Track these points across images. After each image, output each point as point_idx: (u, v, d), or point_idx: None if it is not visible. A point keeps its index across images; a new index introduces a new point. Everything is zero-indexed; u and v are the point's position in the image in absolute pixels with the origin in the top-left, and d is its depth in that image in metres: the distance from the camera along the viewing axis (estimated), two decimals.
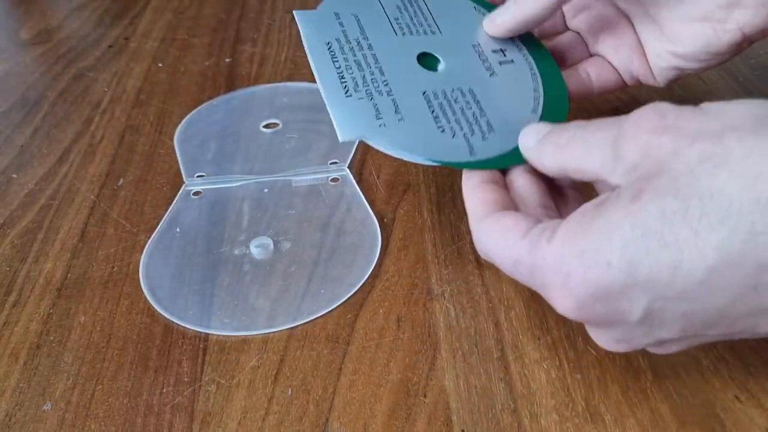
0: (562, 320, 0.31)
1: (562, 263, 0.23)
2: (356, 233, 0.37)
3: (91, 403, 0.30)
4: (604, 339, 0.25)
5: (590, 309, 0.23)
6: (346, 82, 0.31)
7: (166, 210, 0.39)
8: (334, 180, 0.41)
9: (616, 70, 0.38)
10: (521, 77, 0.35)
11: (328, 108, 0.30)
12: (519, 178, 0.29)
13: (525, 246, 0.24)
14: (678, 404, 0.28)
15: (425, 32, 0.35)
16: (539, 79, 0.35)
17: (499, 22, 0.35)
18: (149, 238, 0.38)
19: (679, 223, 0.21)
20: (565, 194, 0.30)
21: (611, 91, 0.39)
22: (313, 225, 0.38)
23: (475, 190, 0.29)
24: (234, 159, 0.43)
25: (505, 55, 0.35)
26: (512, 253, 0.25)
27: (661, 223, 0.21)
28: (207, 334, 0.32)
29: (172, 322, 0.33)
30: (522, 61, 0.35)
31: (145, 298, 0.34)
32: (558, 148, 0.26)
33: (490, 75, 0.34)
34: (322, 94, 0.31)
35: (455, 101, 0.32)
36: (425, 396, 0.29)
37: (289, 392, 0.29)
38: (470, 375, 0.29)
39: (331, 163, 0.42)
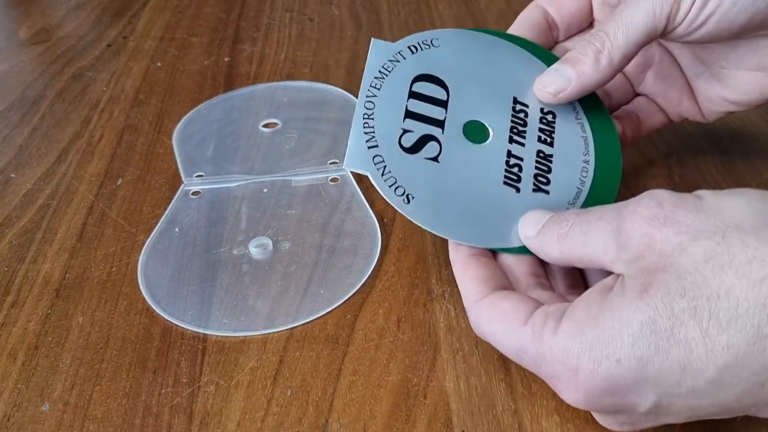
0: None
1: (570, 356, 0.23)
2: (356, 233, 0.37)
3: (90, 403, 0.29)
4: (608, 421, 0.26)
5: (599, 401, 0.23)
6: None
7: (165, 210, 0.39)
8: (334, 180, 0.41)
9: (664, 111, 0.37)
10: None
11: (350, 135, 0.30)
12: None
13: (527, 334, 0.24)
14: None
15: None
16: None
17: (553, 90, 0.32)
18: (148, 238, 0.37)
19: (688, 323, 0.21)
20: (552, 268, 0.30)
21: (656, 130, 0.38)
22: (313, 225, 0.38)
23: (465, 266, 0.28)
24: (233, 159, 0.43)
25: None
26: (514, 341, 0.25)
27: (671, 322, 0.21)
28: (206, 335, 0.32)
29: (171, 322, 0.33)
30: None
31: (144, 298, 0.34)
32: (560, 238, 0.26)
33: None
34: (353, 120, 0.31)
35: None
36: (425, 397, 0.29)
37: (289, 393, 0.29)
38: (471, 376, 0.29)
39: (330, 163, 0.42)
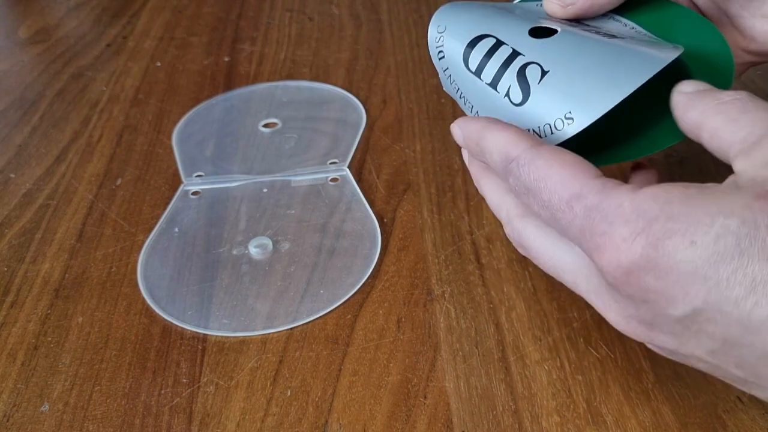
0: (563, 321, 0.31)
1: (642, 217, 0.20)
2: (356, 233, 0.37)
3: (89, 404, 0.29)
4: (618, 309, 0.22)
5: (639, 278, 0.20)
6: None
7: (165, 210, 0.39)
8: (334, 180, 0.41)
9: None
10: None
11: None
12: None
13: (596, 185, 0.21)
14: (680, 405, 0.28)
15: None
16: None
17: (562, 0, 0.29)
18: (147, 238, 0.37)
19: None
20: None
21: None
22: (313, 225, 0.38)
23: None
24: (233, 159, 0.43)
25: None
26: (574, 187, 0.22)
27: (764, 236, 0.18)
28: (205, 335, 0.32)
29: (171, 322, 0.33)
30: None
31: (144, 298, 0.34)
32: (715, 104, 0.23)
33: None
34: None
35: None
36: (425, 397, 0.29)
37: (289, 393, 0.29)
38: (471, 376, 0.29)
39: (330, 163, 0.42)
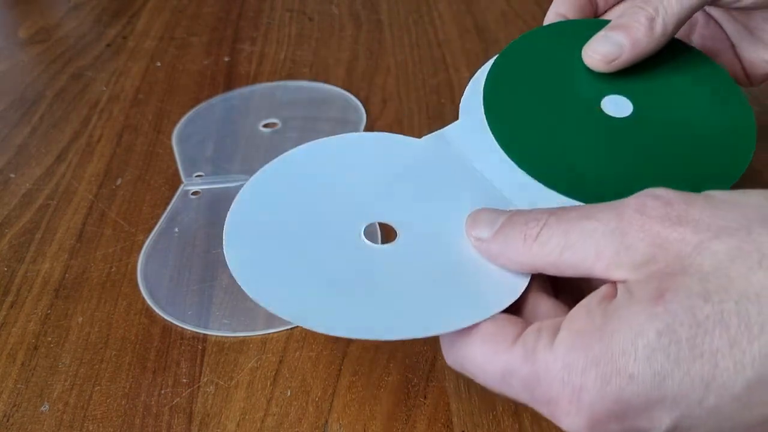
0: None
1: (573, 373, 0.20)
2: None
3: (89, 404, 0.29)
4: None
5: (605, 427, 0.20)
6: None
7: (165, 210, 0.39)
8: None
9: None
10: None
11: None
12: None
13: (518, 354, 0.21)
14: None
15: None
16: None
17: (602, 56, 0.30)
18: (147, 238, 0.37)
19: (713, 331, 0.19)
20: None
21: None
22: None
23: None
24: (233, 159, 0.43)
25: None
26: (500, 364, 0.21)
27: (693, 330, 0.19)
28: (206, 335, 0.32)
29: (171, 322, 0.33)
30: None
31: (144, 298, 0.34)
32: (528, 240, 0.23)
33: None
34: None
35: None
36: (425, 397, 0.29)
37: (289, 393, 0.29)
38: None
39: None
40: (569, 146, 0.29)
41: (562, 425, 0.21)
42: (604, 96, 0.30)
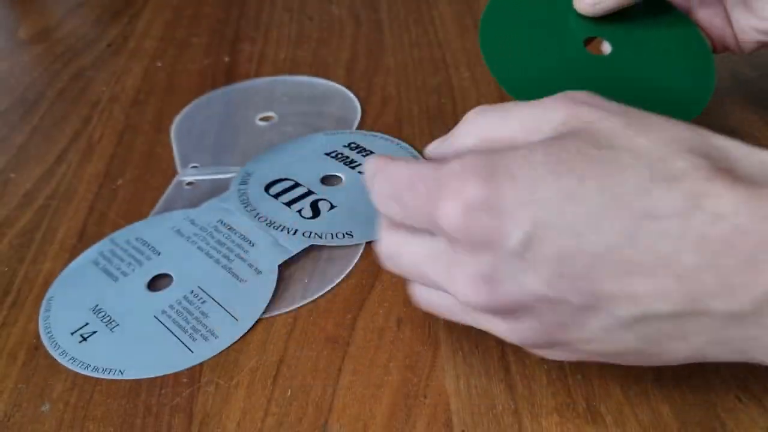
0: None
1: (467, 170, 0.23)
2: None
3: (90, 404, 0.29)
4: (462, 274, 0.24)
5: (474, 218, 0.22)
6: None
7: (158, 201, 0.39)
8: None
9: (711, 39, 0.38)
10: None
11: None
12: None
13: (430, 165, 0.24)
14: (679, 405, 0.28)
15: None
16: None
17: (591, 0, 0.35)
18: None
19: (588, 163, 0.22)
20: None
21: None
22: None
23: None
24: (228, 151, 0.43)
25: None
26: (411, 172, 0.24)
27: (573, 156, 0.22)
28: None
29: None
30: None
31: None
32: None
33: None
34: None
35: None
36: (425, 397, 0.29)
37: (289, 393, 0.29)
38: (471, 376, 0.29)
39: None
40: (550, 71, 0.34)
41: (441, 216, 0.23)
42: (589, 36, 0.35)
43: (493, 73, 0.34)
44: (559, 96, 0.25)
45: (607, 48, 0.35)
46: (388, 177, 0.25)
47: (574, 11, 0.36)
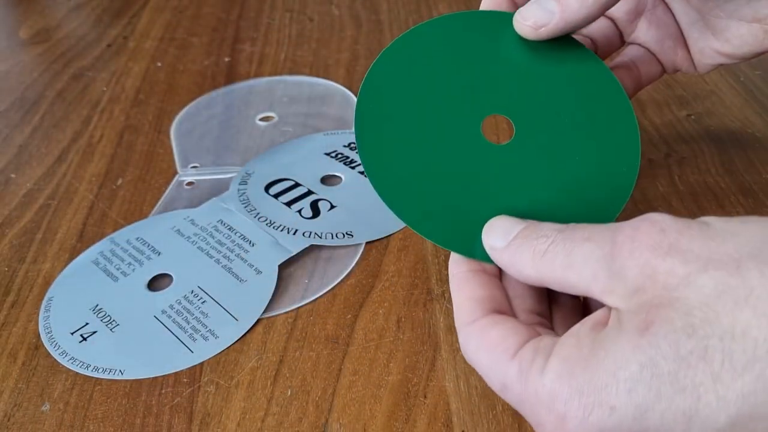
0: None
1: (557, 402, 0.20)
2: None
3: (90, 403, 0.29)
4: None
5: None
6: None
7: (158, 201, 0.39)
8: None
9: (659, 61, 0.35)
10: None
11: None
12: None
13: (514, 371, 0.22)
14: None
15: None
16: None
17: (532, 23, 0.28)
18: None
19: (696, 366, 0.19)
20: (556, 297, 0.27)
21: (652, 82, 0.36)
22: None
23: (461, 283, 0.25)
24: (228, 151, 0.43)
25: None
26: (500, 375, 0.22)
27: (676, 364, 0.19)
28: None
29: None
30: None
31: None
32: (536, 255, 0.23)
33: None
34: None
35: None
36: (425, 397, 0.29)
37: (289, 393, 0.29)
38: (471, 376, 0.29)
39: None
40: (445, 185, 0.27)
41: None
42: (486, 114, 0.28)
43: (376, 188, 0.26)
44: (624, 229, 0.21)
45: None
46: (470, 358, 0.24)
47: (470, 76, 0.28)
